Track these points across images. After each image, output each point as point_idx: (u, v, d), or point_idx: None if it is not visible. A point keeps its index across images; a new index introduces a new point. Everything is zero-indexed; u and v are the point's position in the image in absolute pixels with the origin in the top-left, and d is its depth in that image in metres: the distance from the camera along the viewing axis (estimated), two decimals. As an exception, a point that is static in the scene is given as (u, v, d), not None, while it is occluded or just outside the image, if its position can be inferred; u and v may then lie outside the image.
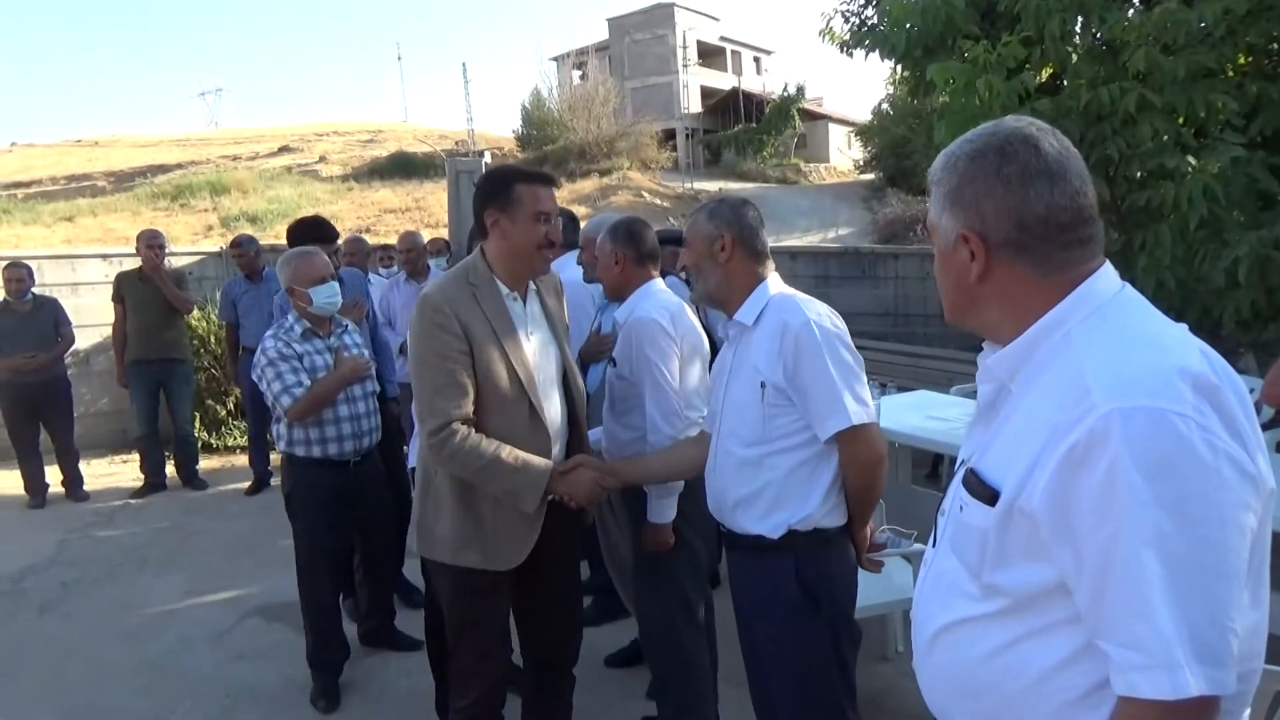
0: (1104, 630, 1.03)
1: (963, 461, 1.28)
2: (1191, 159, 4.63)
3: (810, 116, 35.15)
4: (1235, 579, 1.00)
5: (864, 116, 30.54)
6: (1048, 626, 1.10)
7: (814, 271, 9.11)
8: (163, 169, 27.34)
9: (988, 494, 1.14)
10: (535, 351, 2.43)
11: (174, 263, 7.39)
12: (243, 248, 6.37)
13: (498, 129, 44.38)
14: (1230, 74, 4.91)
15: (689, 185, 26.29)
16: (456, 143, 31.47)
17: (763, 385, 2.12)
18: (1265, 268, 4.34)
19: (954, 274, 1.23)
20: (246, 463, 6.71)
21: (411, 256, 5.84)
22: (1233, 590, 0.99)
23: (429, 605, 3.08)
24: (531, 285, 2.50)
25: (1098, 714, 1.07)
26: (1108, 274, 1.17)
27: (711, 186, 25.19)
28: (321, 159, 30.20)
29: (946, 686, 1.26)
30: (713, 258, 2.24)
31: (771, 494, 2.15)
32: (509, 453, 2.29)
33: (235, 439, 7.54)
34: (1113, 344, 1.09)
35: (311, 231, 4.14)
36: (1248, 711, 1.13)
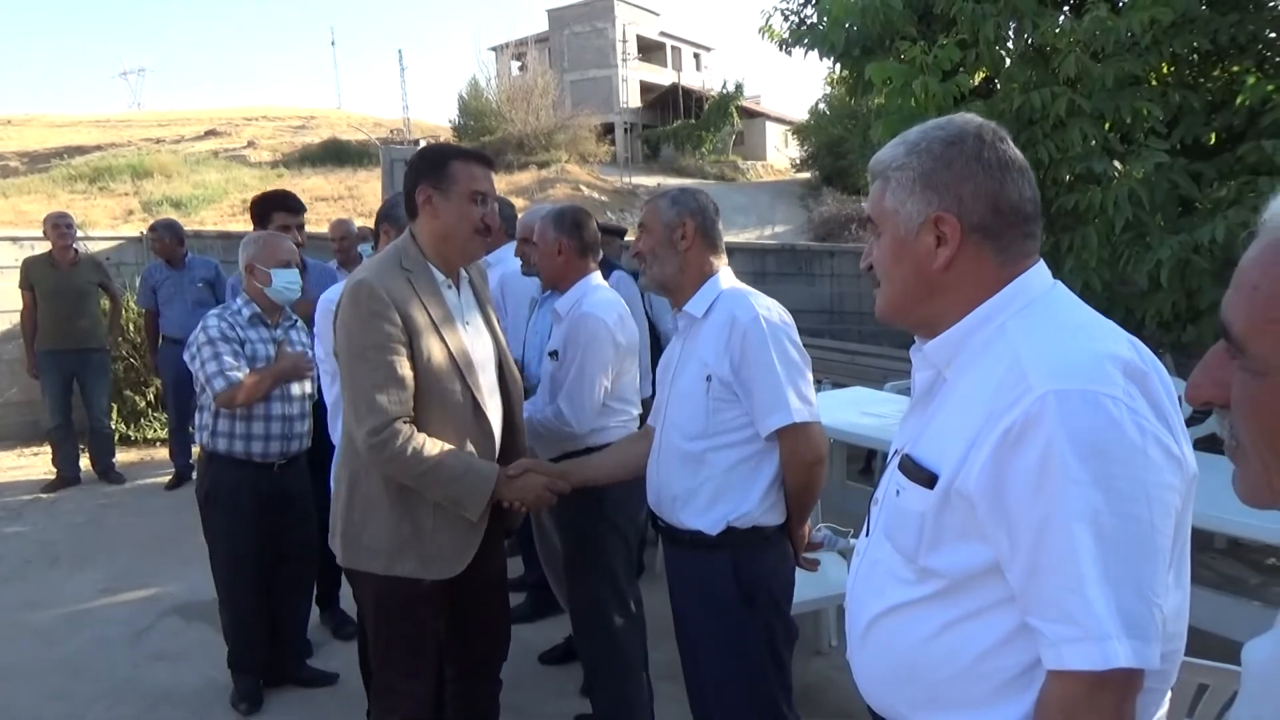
0: (1036, 607, 1.06)
1: (897, 450, 1.28)
2: (1117, 164, 4.77)
3: (748, 114, 35.44)
4: (1161, 556, 1.04)
5: (801, 116, 30.94)
6: (983, 609, 1.12)
7: (751, 268, 9.15)
8: (80, 150, 26.26)
9: (925, 477, 1.16)
10: (471, 343, 2.28)
11: (89, 247, 7.08)
12: (158, 233, 6.13)
13: (434, 118, 43.76)
14: (1154, 83, 5.07)
15: (627, 180, 26.26)
16: (391, 131, 30.91)
17: (708, 379, 2.10)
18: (1185, 271, 4.49)
19: (911, 262, 1.22)
20: (167, 456, 6.47)
21: (344, 245, 5.67)
22: (1159, 567, 1.03)
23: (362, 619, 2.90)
24: (462, 271, 2.35)
25: (1030, 693, 1.10)
26: (1042, 269, 1.22)
27: (650, 182, 25.21)
28: (250, 144, 29.37)
29: (882, 673, 1.25)
30: (672, 245, 2.22)
31: (711, 489, 2.12)
32: (454, 456, 2.14)
33: (155, 431, 7.26)
34: (1047, 332, 1.13)
35: (277, 203, 3.95)
36: (1168, 696, 1.16)
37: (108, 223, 16.71)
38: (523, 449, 2.47)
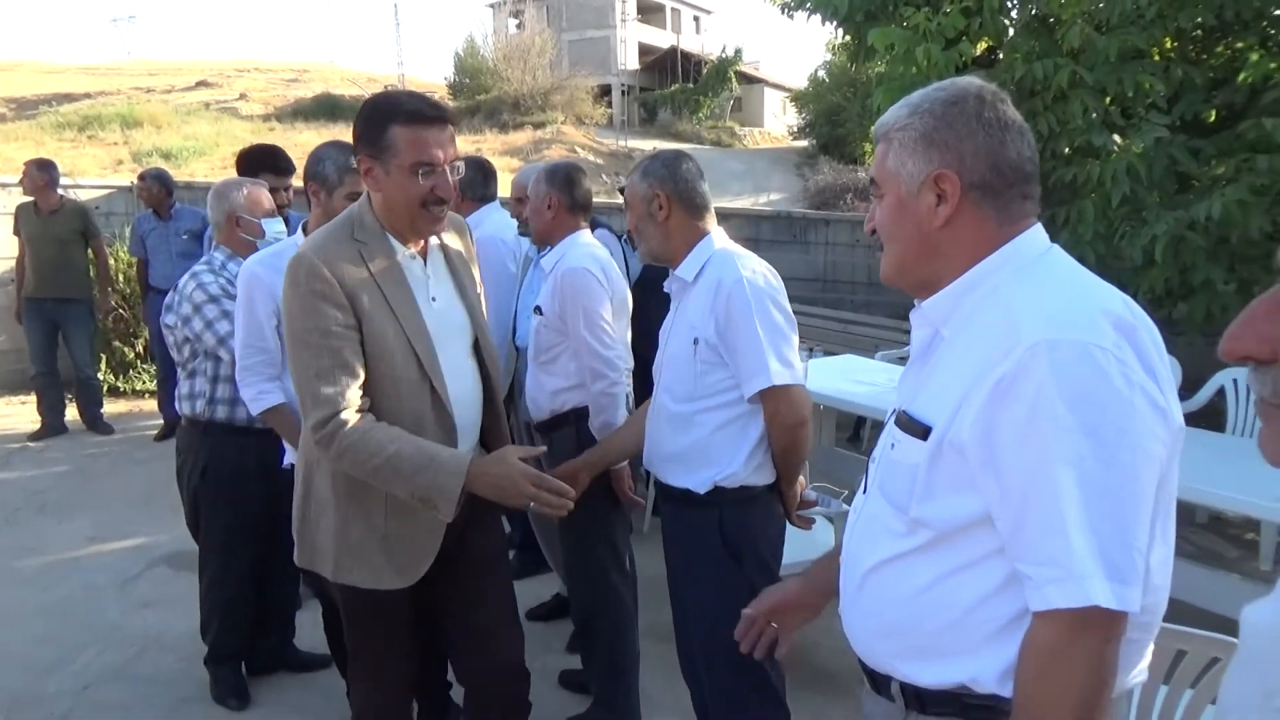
0: (1023, 551, 1.09)
1: (895, 409, 1.30)
2: (1117, 138, 4.75)
3: (747, 80, 35.15)
4: (1144, 504, 1.07)
5: (800, 83, 30.67)
6: (974, 561, 1.16)
7: (745, 234, 9.12)
8: (69, 98, 25.92)
9: (920, 430, 1.19)
10: (439, 320, 2.02)
11: (78, 195, 6.99)
12: (146, 182, 6.06)
13: (429, 76, 43.22)
14: (1158, 57, 5.03)
15: (623, 143, 26.09)
16: (386, 87, 30.51)
17: (695, 341, 2.12)
18: (1180, 247, 4.50)
19: (913, 221, 1.25)
20: (155, 407, 6.45)
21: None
22: (1141, 514, 1.07)
23: (325, 603, 2.75)
24: (434, 238, 2.08)
25: (1017, 640, 1.13)
26: (1039, 231, 1.24)
27: (646, 145, 25.00)
28: (242, 96, 29.03)
29: (876, 626, 1.28)
30: (651, 217, 2.22)
31: (700, 450, 2.16)
32: (415, 446, 1.87)
33: (144, 383, 7.23)
34: (1041, 288, 1.16)
35: (265, 162, 3.63)
36: (1151, 647, 1.20)
37: (97, 172, 16.50)
38: (504, 435, 2.22)
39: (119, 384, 7.19)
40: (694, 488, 2.17)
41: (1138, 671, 1.20)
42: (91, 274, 6.26)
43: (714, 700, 2.26)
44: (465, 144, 22.88)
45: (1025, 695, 1.11)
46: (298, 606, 3.33)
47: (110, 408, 6.58)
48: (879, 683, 1.31)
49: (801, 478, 2.31)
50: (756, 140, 32.28)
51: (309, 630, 3.28)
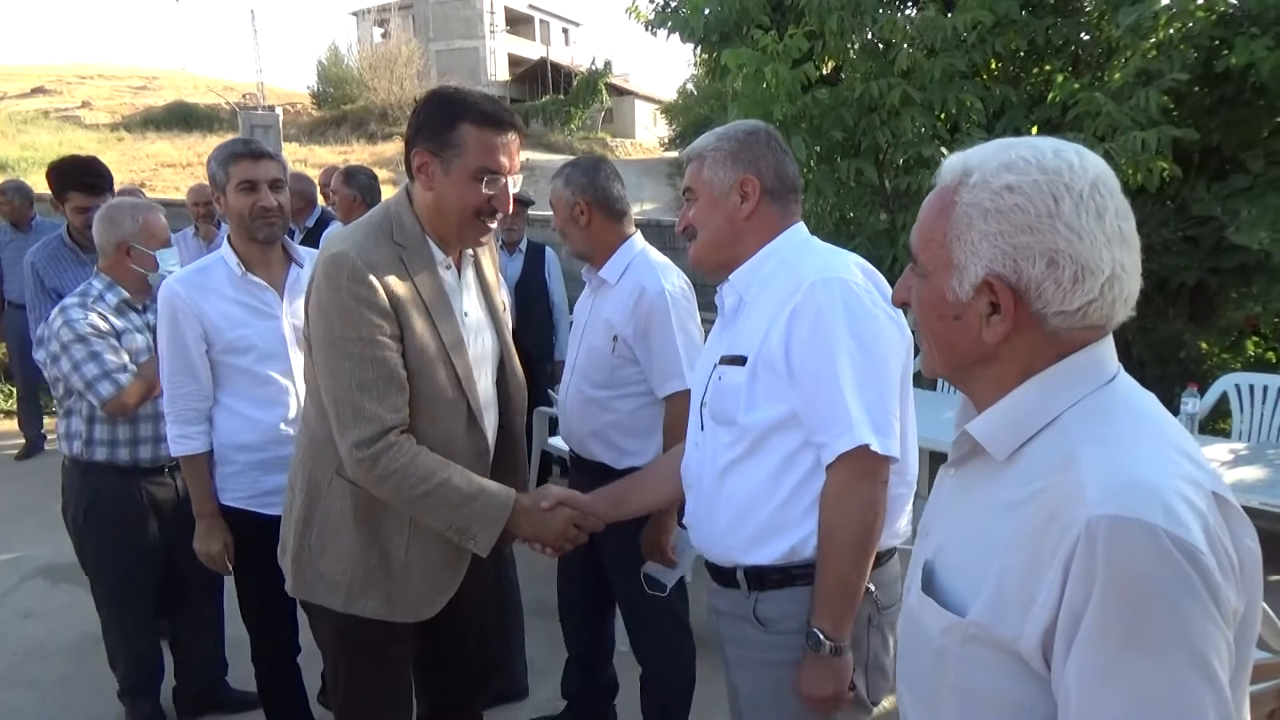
0: (817, 424, 1.57)
1: (714, 362, 1.71)
2: (944, 149, 5.29)
3: (618, 92, 35.65)
4: (893, 383, 1.61)
5: (670, 95, 31.41)
6: (788, 455, 1.61)
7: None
8: (-112, 103, 23.89)
9: (739, 360, 1.65)
10: (470, 337, 1.90)
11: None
12: (7, 195, 5.86)
13: (290, 84, 41.86)
14: (984, 78, 5.63)
15: (495, 154, 26.01)
16: (244, 95, 29.49)
17: (615, 339, 2.36)
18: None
19: (724, 214, 1.74)
20: (15, 427, 6.21)
21: (202, 211, 5.59)
22: (892, 390, 1.60)
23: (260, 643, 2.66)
24: (470, 249, 1.97)
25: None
26: (802, 226, 1.78)
27: (519, 157, 25.02)
28: (85, 104, 27.46)
29: (722, 525, 1.69)
30: (574, 221, 2.43)
31: (617, 430, 2.43)
32: (463, 475, 1.76)
33: (1, 402, 6.92)
34: (813, 254, 1.70)
35: (79, 175, 3.39)
36: (909, 509, 1.75)
37: (-75, 184, 15.37)
38: (522, 465, 2.13)
39: (-28, 404, 6.86)
40: (610, 462, 2.43)
41: (903, 527, 1.73)
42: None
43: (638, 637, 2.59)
44: (332, 155, 22.42)
45: (824, 530, 1.57)
46: (219, 647, 3.10)
47: (-37, 428, 6.30)
48: (725, 576, 1.71)
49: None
50: (628, 151, 32.80)
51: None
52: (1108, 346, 0.99)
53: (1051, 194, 0.93)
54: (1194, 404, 3.58)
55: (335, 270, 1.70)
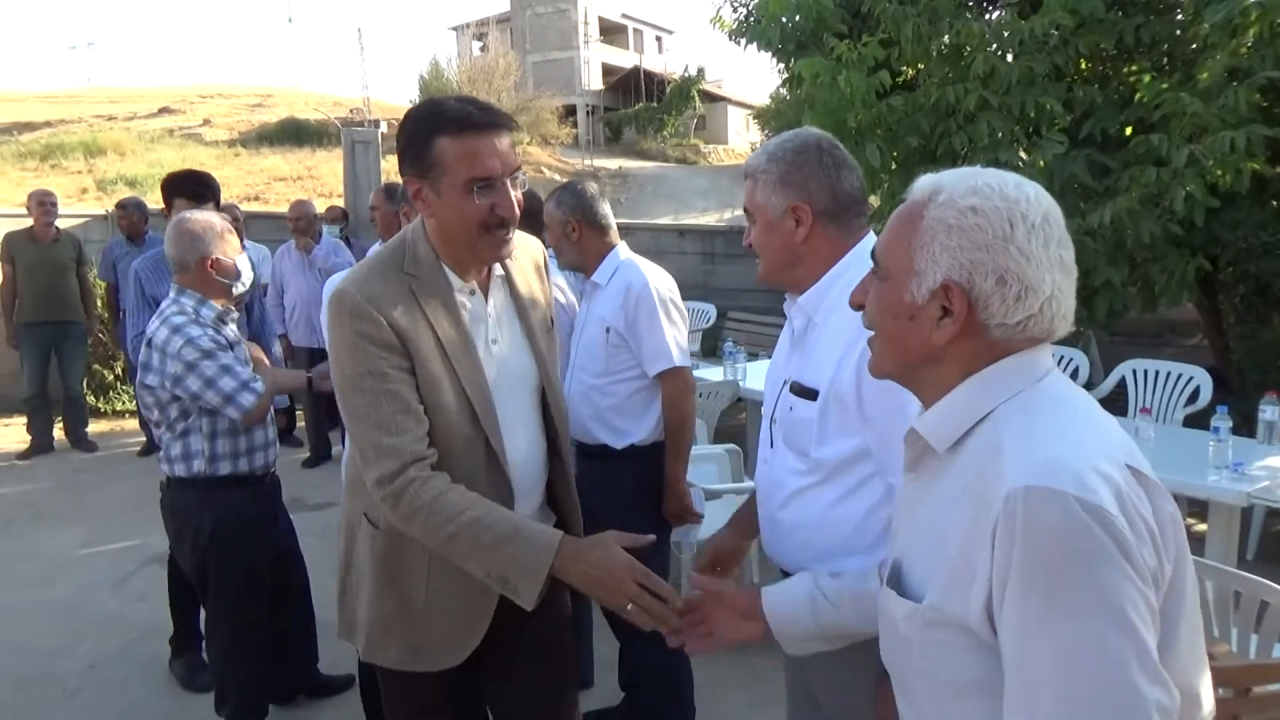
0: (889, 466, 1.50)
1: (785, 380, 1.71)
2: (1023, 153, 5.23)
3: (710, 98, 35.76)
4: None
5: (763, 100, 31.32)
6: (859, 484, 1.57)
7: (700, 249, 9.50)
8: (29, 126, 25.88)
9: (810, 394, 1.61)
10: (501, 367, 1.78)
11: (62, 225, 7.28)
12: (127, 210, 6.40)
13: (394, 98, 43.45)
14: (1071, 79, 5.52)
15: (589, 162, 26.52)
16: (351, 110, 30.78)
17: (607, 330, 2.72)
18: (1080, 252, 4.95)
19: (779, 239, 1.67)
20: (136, 426, 6.73)
21: (300, 225, 5.92)
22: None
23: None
24: (498, 268, 1.82)
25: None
26: (872, 237, 1.65)
27: (612, 164, 25.48)
28: (206, 122, 29.10)
29: (797, 542, 1.67)
30: (567, 238, 2.80)
31: (615, 412, 2.76)
32: (499, 513, 1.63)
33: (124, 403, 7.51)
34: None
35: (186, 184, 3.56)
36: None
37: (63, 201, 16.63)
38: (572, 497, 2.01)
39: (99, 404, 7.46)
40: (611, 443, 2.76)
41: None
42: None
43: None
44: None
45: None
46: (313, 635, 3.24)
47: (92, 427, 6.86)
48: None
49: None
50: (721, 157, 32.87)
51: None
52: (1043, 352, 1.09)
53: (1009, 219, 1.05)
54: (1273, 412, 3.47)
55: (338, 306, 1.65)
